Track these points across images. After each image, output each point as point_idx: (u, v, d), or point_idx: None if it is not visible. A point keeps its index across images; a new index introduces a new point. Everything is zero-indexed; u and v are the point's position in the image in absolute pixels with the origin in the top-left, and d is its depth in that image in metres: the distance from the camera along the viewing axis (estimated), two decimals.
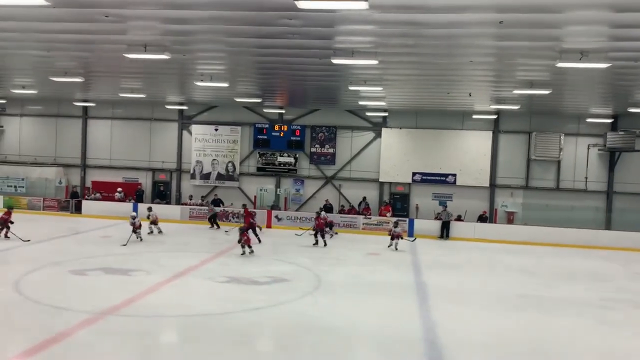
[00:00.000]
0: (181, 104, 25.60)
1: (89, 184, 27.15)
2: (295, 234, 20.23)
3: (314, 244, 18.39)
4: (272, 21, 9.88)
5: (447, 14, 9.05)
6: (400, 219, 21.42)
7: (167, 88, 21.13)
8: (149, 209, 19.76)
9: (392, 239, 18.50)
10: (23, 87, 21.89)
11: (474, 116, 23.46)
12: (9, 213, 17.35)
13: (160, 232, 19.37)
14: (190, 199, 25.16)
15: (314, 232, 18.70)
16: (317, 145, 25.48)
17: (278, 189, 25.89)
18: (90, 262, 14.27)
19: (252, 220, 18.61)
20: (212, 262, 15.14)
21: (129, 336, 8.82)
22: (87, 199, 25.11)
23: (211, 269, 14.27)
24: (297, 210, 24.84)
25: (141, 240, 17.56)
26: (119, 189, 25.45)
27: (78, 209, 24.30)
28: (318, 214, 19.36)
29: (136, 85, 20.31)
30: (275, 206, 24.93)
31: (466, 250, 19.43)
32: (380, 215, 23.49)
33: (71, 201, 24.56)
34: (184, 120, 26.62)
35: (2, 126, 28.26)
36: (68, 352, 8.03)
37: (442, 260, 17.31)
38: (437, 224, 22.02)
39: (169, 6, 9.20)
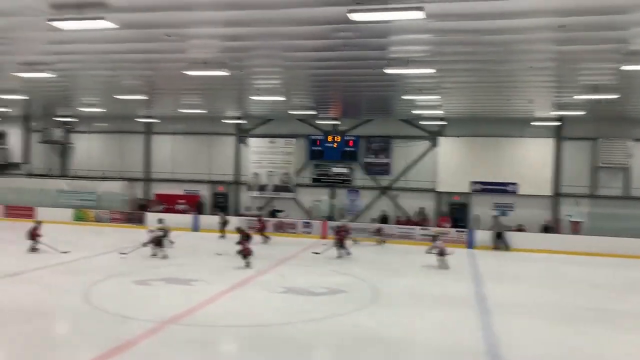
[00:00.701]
0: (238, 118, 26.23)
1: (152, 196, 28.20)
2: (313, 253, 18.77)
3: (337, 257, 17.75)
4: (326, 34, 9.99)
5: (504, 20, 8.86)
6: (440, 230, 20.30)
7: (225, 103, 21.72)
8: (160, 221, 18.93)
9: (439, 254, 16.61)
10: (91, 106, 23.10)
11: (534, 123, 22.70)
12: (37, 228, 17.51)
13: (171, 242, 18.22)
14: (248, 210, 25.60)
15: (335, 246, 17.91)
16: (371, 156, 25.40)
17: (333, 200, 25.96)
18: (153, 272, 14.78)
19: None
20: (269, 273, 15.32)
21: (190, 346, 9.04)
22: (150, 211, 26.06)
23: (269, 279, 14.44)
24: (352, 221, 24.81)
25: (165, 256, 16.98)
26: (181, 201, 26.27)
27: (142, 221, 25.25)
28: (338, 227, 18.84)
29: (196, 101, 21.00)
30: (330, 217, 25.00)
31: (529, 262, 18.75)
32: (438, 226, 23.07)
33: (136, 213, 25.57)
34: (241, 134, 27.24)
35: (72, 143, 29.87)
36: None
37: (503, 271, 16.78)
38: (504, 235, 21.34)
39: (227, 24, 9.49)
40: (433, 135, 24.78)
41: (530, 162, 23.56)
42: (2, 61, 13.53)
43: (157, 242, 17.05)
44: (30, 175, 29.86)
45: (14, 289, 12.64)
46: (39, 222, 17.85)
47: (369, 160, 25.42)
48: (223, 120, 26.39)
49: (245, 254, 15.81)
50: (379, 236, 21.25)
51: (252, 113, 24.75)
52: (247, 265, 15.69)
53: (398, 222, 24.06)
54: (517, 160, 23.70)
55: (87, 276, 13.99)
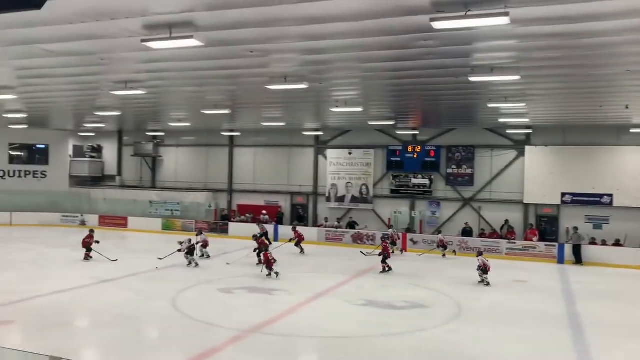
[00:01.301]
0: (317, 129, 26.53)
1: (235, 207, 29.09)
2: (361, 252, 19.78)
3: (381, 272, 16.80)
4: (407, 44, 9.85)
5: (595, 22, 8.30)
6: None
7: (304, 115, 22.05)
8: (199, 233, 19.67)
9: (482, 271, 15.47)
10: (178, 121, 24.29)
11: (633, 130, 21.12)
12: (91, 236, 18.27)
13: (208, 257, 18.86)
14: (326, 221, 25.75)
15: (381, 258, 17.01)
16: (453, 166, 24.73)
17: (413, 212, 25.51)
18: (236, 281, 15.17)
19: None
20: (348, 285, 15.26)
21: (272, 355, 9.14)
22: (233, 221, 26.89)
23: (348, 291, 14.38)
24: (433, 233, 24.22)
25: (196, 265, 17.41)
26: (264, 212, 26.91)
27: (225, 231, 26.10)
28: (384, 237, 18.24)
29: (276, 114, 21.48)
30: (409, 229, 24.57)
31: (624, 277, 17.40)
32: (526, 239, 22.00)
33: (219, 223, 26.49)
34: (320, 145, 27.51)
35: (161, 156, 31.53)
36: None
37: (595, 288, 15.67)
38: (581, 249, 20.00)
39: (307, 38, 9.61)
40: (519, 145, 23.73)
41: (628, 171, 21.90)
42: (99, 80, 14.53)
43: (190, 251, 17.50)
44: (123, 186, 31.81)
45: (109, 294, 13.44)
46: (92, 231, 18.72)
47: (450, 170, 24.77)
48: (303, 133, 26.80)
49: (267, 264, 15.58)
50: (442, 248, 20.75)
51: (330, 124, 24.94)
52: (275, 275, 15.41)
53: (482, 235, 23.20)
54: (613, 169, 22.12)
55: (174, 283, 14.60)
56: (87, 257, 18.01)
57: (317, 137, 27.36)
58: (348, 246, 23.10)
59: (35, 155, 31.34)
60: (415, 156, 25.16)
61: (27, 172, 30.45)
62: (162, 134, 30.55)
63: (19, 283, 14.14)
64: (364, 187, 26.31)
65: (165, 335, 10.48)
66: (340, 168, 26.70)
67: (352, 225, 25.15)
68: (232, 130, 28.20)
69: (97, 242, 18.19)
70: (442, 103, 17.73)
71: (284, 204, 28.19)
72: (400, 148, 25.53)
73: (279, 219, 26.67)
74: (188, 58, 11.32)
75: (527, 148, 23.41)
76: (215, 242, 24.10)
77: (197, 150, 30.70)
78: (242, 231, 25.48)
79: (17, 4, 3.95)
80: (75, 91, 16.36)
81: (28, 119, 24.19)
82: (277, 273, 15.47)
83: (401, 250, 21.69)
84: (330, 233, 24.18)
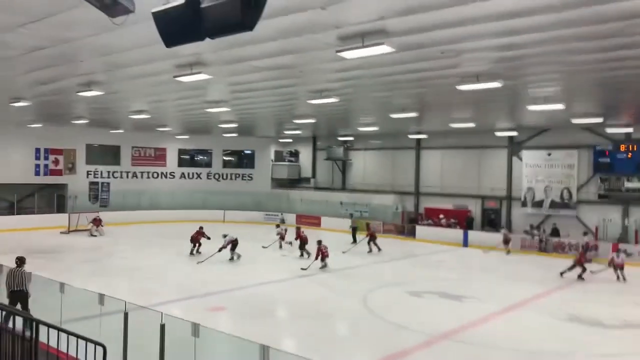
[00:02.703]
0: (510, 129, 24.97)
1: (422, 210, 28.92)
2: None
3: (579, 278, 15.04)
4: (618, 32, 8.73)
5: None
6: None
7: (496, 115, 20.95)
8: (280, 222, 20.32)
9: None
10: (367, 125, 25.01)
11: None
12: (200, 232, 19.67)
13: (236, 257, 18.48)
14: (532, 228, 23.68)
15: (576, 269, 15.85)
16: None
17: (626, 219, 22.47)
18: (425, 284, 15.07)
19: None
20: (547, 297, 14.08)
21: None
22: (420, 224, 26.76)
23: (548, 303, 13.26)
24: None
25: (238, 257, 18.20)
26: (441, 216, 26.35)
27: (413, 234, 26.09)
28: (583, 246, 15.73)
29: (466, 115, 20.79)
30: (622, 239, 21.69)
31: None
32: None
33: (406, 226, 26.60)
34: (514, 146, 25.87)
35: (350, 159, 32.82)
36: None
37: None
38: None
39: (502, 34, 9.11)
40: None
41: None
42: (297, 91, 15.68)
43: (233, 246, 18.32)
44: (317, 188, 33.93)
45: (307, 288, 14.43)
46: (202, 227, 20.23)
47: None
48: (495, 133, 25.46)
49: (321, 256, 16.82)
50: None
51: (526, 124, 23.26)
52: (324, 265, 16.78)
53: None
54: None
55: (365, 283, 15.06)
56: (194, 251, 19.23)
57: (511, 137, 25.76)
58: (546, 255, 21.35)
59: (243, 160, 35.33)
60: (629, 156, 22.12)
61: (237, 175, 34.39)
62: (352, 138, 31.77)
63: (229, 274, 15.96)
64: (565, 192, 23.99)
65: (356, 333, 10.86)
66: (538, 170, 24.73)
67: (555, 232, 23.10)
68: (419, 133, 28.05)
69: (209, 238, 19.58)
70: None
71: (474, 208, 27.10)
72: (610, 148, 22.67)
73: (468, 224, 25.76)
74: (378, 64, 11.56)
75: None
76: (403, 244, 24.30)
77: (384, 153, 31.25)
78: (429, 234, 25.29)
79: (234, 27, 4.43)
80: (276, 102, 17.90)
81: (238, 128, 27.20)
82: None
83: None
84: (527, 240, 22.58)
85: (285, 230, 22.22)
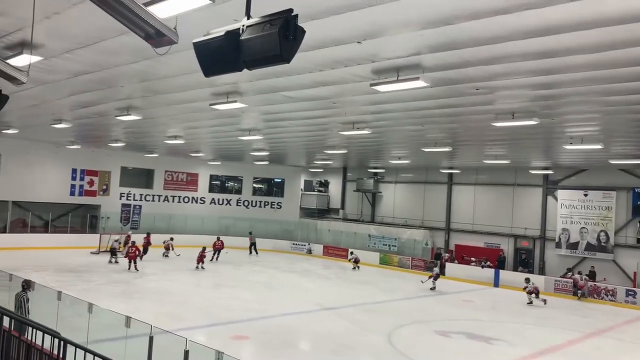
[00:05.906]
0: (546, 168, 24.49)
1: (452, 246, 28.38)
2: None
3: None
4: None
5: None
6: None
7: (531, 153, 20.60)
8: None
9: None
10: (399, 158, 24.91)
11: None
12: (204, 254, 21.79)
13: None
14: (573, 274, 22.29)
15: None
16: None
17: None
18: (453, 324, 14.65)
19: None
20: (581, 343, 13.50)
21: None
22: (449, 262, 26.20)
23: (581, 351, 12.71)
24: None
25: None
26: (473, 259, 25.81)
27: (442, 271, 25.52)
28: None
29: (500, 152, 20.50)
30: None
31: None
32: None
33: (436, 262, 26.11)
34: (549, 185, 25.31)
35: (380, 192, 32.62)
36: None
37: None
38: None
39: (539, 73, 9.02)
40: None
41: None
42: (329, 122, 15.77)
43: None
44: (345, 219, 33.71)
45: (329, 321, 14.19)
46: (204, 249, 22.08)
47: None
48: (529, 171, 25.00)
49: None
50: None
51: (563, 163, 22.80)
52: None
53: None
54: None
55: (391, 318, 14.74)
56: (199, 267, 21.72)
57: (546, 176, 25.24)
58: (581, 300, 20.58)
59: (273, 188, 35.48)
60: None
61: (266, 203, 34.50)
62: (383, 170, 31.64)
63: (254, 302, 15.87)
64: (602, 234, 23.23)
65: None
66: (574, 211, 24.08)
67: (592, 275, 22.27)
68: (451, 168, 27.78)
69: (218, 255, 22.60)
70: None
71: (506, 247, 26.45)
72: None
73: (500, 263, 25.12)
74: (412, 98, 11.57)
75: None
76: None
77: (415, 187, 30.97)
78: (459, 272, 24.75)
79: (272, 59, 4.49)
80: (308, 132, 18.04)
81: (269, 156, 27.46)
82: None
83: None
84: (561, 283, 21.85)
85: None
